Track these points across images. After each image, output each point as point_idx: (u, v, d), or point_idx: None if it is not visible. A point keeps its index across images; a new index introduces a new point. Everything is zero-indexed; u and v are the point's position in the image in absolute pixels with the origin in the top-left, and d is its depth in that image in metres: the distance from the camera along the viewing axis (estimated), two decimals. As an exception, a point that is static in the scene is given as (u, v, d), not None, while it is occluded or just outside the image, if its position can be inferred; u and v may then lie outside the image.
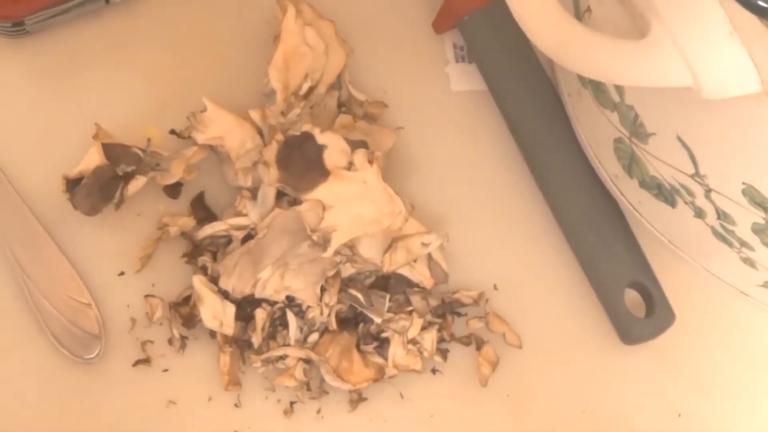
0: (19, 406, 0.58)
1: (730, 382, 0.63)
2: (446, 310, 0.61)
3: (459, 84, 0.65)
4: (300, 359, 0.58)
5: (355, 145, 0.60)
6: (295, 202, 0.58)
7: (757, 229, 0.53)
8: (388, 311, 0.59)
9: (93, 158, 0.58)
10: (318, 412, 0.59)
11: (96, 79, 0.62)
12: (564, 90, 0.62)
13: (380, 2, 0.65)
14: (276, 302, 0.58)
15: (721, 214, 0.53)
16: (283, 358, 0.59)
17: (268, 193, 0.58)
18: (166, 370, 0.59)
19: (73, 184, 0.58)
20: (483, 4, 0.63)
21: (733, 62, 0.44)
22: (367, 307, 0.58)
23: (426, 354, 0.60)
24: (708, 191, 0.52)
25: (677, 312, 0.62)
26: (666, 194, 0.56)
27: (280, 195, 0.59)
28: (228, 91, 0.62)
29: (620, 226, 0.62)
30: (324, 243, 0.57)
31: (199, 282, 0.58)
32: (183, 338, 0.59)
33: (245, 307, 0.59)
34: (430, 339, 0.60)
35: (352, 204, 0.57)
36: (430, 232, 0.60)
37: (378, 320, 0.59)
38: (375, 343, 0.59)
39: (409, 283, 0.60)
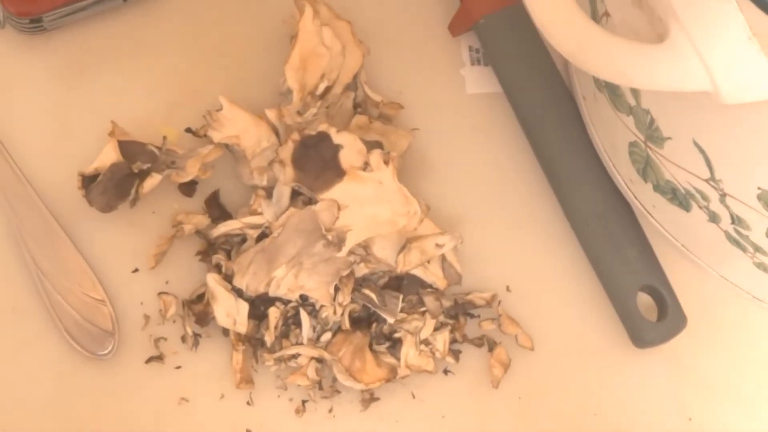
0: (32, 402, 0.58)
1: (741, 386, 0.63)
2: (459, 311, 0.61)
3: (474, 86, 0.65)
4: (312, 358, 0.58)
5: (370, 145, 0.60)
6: (310, 201, 0.58)
7: (771, 235, 0.53)
8: (401, 311, 0.59)
9: (109, 155, 0.58)
10: (330, 411, 0.59)
11: (112, 77, 0.63)
12: (579, 93, 0.62)
13: (397, 4, 0.66)
14: (289, 301, 0.58)
15: (736, 219, 0.53)
16: (295, 356, 0.59)
17: (283, 192, 0.59)
18: (178, 368, 0.59)
19: (88, 181, 0.59)
20: (499, 8, 0.63)
21: (751, 67, 0.44)
22: (381, 307, 0.59)
23: (438, 355, 0.60)
24: (723, 196, 0.52)
25: (689, 316, 0.62)
26: (680, 198, 0.56)
27: (295, 194, 0.59)
28: (244, 90, 0.62)
29: (634, 229, 0.62)
30: (338, 243, 0.57)
31: (213, 280, 0.58)
32: (196, 336, 0.59)
33: (259, 306, 0.59)
34: (442, 340, 0.60)
35: (367, 204, 0.57)
36: (445, 234, 0.60)
37: (391, 320, 0.59)
38: (387, 343, 0.60)
39: (422, 284, 0.60)
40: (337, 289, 0.58)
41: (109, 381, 0.59)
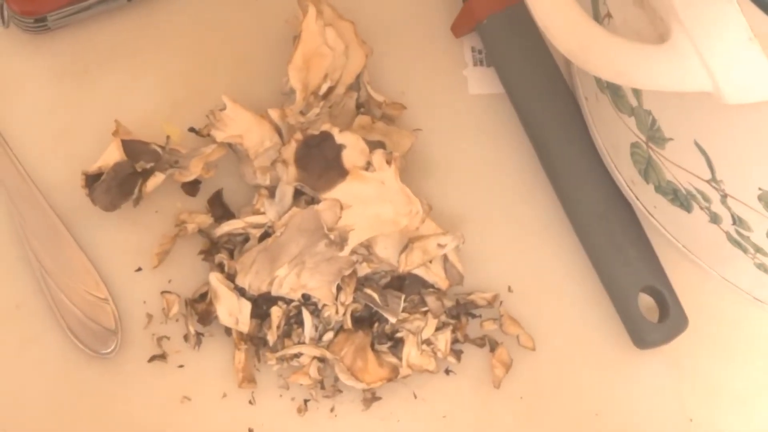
0: (34, 400, 0.58)
1: (742, 387, 0.63)
2: (461, 312, 0.61)
3: (477, 87, 0.65)
4: (314, 357, 0.59)
5: (373, 145, 0.60)
6: (313, 201, 0.58)
7: (772, 235, 0.53)
8: (403, 311, 0.59)
9: (112, 154, 0.59)
10: (331, 410, 0.60)
11: (116, 76, 0.63)
12: (581, 94, 0.62)
13: (400, 4, 0.66)
14: (292, 300, 0.58)
15: (737, 220, 0.53)
16: (297, 356, 0.59)
17: (286, 191, 0.59)
18: (181, 366, 0.59)
19: (92, 180, 0.59)
20: (501, 8, 0.63)
21: (752, 68, 0.44)
22: (383, 307, 0.59)
23: (440, 354, 0.60)
24: (724, 197, 0.53)
25: (690, 317, 0.62)
26: (682, 199, 0.56)
27: (297, 194, 0.59)
28: (247, 89, 0.62)
29: (635, 230, 0.62)
30: (341, 242, 0.57)
31: (215, 279, 0.58)
32: (198, 335, 0.59)
33: (261, 305, 0.59)
34: (444, 340, 0.60)
35: (369, 204, 0.58)
36: (447, 234, 0.60)
37: (393, 320, 0.59)
38: (389, 343, 0.60)
39: (424, 284, 0.60)
40: (339, 288, 0.58)
41: (112, 379, 0.59)
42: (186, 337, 0.60)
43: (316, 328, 0.59)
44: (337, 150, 0.58)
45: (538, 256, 0.63)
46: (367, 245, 0.58)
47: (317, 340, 0.59)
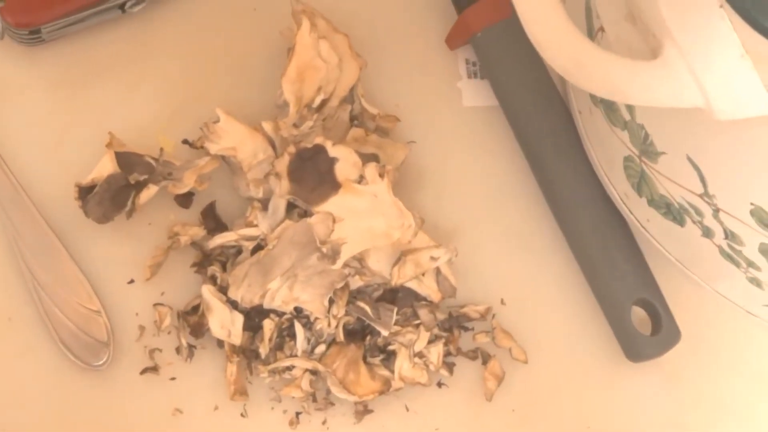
0: (27, 412, 0.58)
1: (735, 400, 0.63)
2: (453, 324, 0.61)
3: (471, 99, 0.65)
4: (307, 370, 0.59)
5: (367, 158, 0.60)
6: (306, 214, 0.58)
7: (764, 250, 0.53)
8: (396, 324, 0.59)
9: (106, 166, 0.59)
10: (324, 423, 0.60)
11: (111, 88, 0.63)
12: (575, 107, 0.62)
13: (395, 17, 0.66)
14: (284, 313, 0.58)
15: (729, 234, 0.54)
16: (289, 368, 0.59)
17: (279, 204, 0.59)
18: (173, 379, 0.59)
19: (85, 192, 0.59)
20: (496, 21, 0.63)
21: (744, 84, 0.44)
22: (375, 320, 0.59)
23: (432, 367, 0.60)
24: (716, 211, 0.53)
25: (683, 330, 0.62)
26: (674, 213, 0.56)
27: (290, 207, 0.59)
28: (241, 102, 0.62)
29: (628, 243, 0.62)
30: (333, 255, 0.57)
31: (208, 291, 0.58)
32: (191, 347, 0.59)
33: (253, 318, 0.59)
34: (436, 352, 0.60)
35: (362, 217, 0.58)
36: (439, 246, 0.60)
37: (385, 333, 0.59)
38: (382, 356, 0.60)
39: (416, 297, 0.60)
40: (331, 301, 0.58)
41: (104, 392, 0.59)
42: (178, 350, 0.59)
43: (309, 340, 0.59)
44: (330, 163, 0.58)
45: (531, 269, 0.63)
46: (360, 258, 0.58)
47: (309, 353, 0.59)
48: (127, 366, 0.59)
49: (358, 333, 0.60)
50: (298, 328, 0.58)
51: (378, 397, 0.59)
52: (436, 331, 0.60)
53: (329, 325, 0.58)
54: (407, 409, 0.60)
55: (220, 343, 0.59)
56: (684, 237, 0.57)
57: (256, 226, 0.59)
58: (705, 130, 0.50)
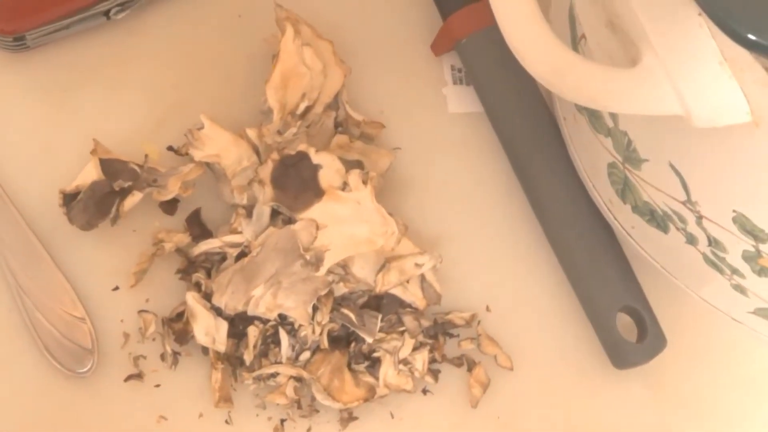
0: (10, 419, 0.58)
1: (721, 407, 0.63)
2: (438, 331, 0.61)
3: (456, 106, 0.65)
4: (291, 377, 0.59)
5: (351, 165, 0.60)
6: (290, 220, 0.58)
7: (747, 257, 0.53)
8: (380, 331, 0.59)
9: (90, 173, 0.59)
10: (308, 430, 0.59)
11: (95, 95, 0.63)
12: (560, 114, 0.62)
13: (379, 23, 0.66)
14: (268, 320, 0.58)
15: (712, 241, 0.53)
16: (274, 375, 0.59)
17: (263, 211, 0.59)
18: (158, 386, 0.59)
19: (69, 199, 0.59)
20: (481, 28, 0.63)
21: (723, 92, 0.44)
22: (359, 327, 0.59)
23: (417, 374, 0.60)
24: (699, 218, 0.53)
25: (669, 337, 0.62)
26: (658, 220, 0.56)
27: (275, 213, 0.59)
28: (226, 108, 0.62)
29: (613, 250, 0.62)
30: (317, 262, 0.57)
31: (192, 298, 0.58)
32: (175, 354, 0.59)
33: (238, 325, 0.59)
34: (421, 359, 0.60)
35: (345, 224, 0.58)
36: (424, 253, 0.60)
37: (369, 340, 0.59)
38: (366, 363, 0.60)
39: (401, 304, 0.60)
40: (315, 308, 0.58)
41: (88, 399, 0.59)
42: (163, 357, 0.59)
43: (293, 347, 0.59)
44: (313, 170, 0.58)
45: (517, 276, 0.63)
46: (344, 265, 0.58)
47: (294, 360, 0.59)
48: (111, 373, 0.59)
49: (342, 340, 0.60)
50: (283, 335, 0.58)
51: (363, 404, 0.59)
52: (421, 338, 0.60)
53: (314, 332, 0.58)
54: (392, 416, 0.60)
55: (205, 350, 0.59)
56: (668, 244, 0.57)
57: (240, 232, 0.59)
58: (686, 138, 0.49)
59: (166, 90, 0.63)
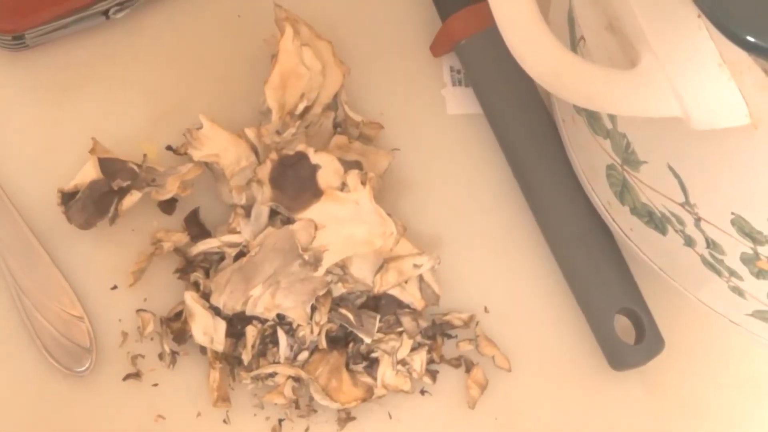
0: (8, 418, 0.58)
1: (719, 409, 0.63)
2: (436, 332, 0.61)
3: (455, 107, 0.65)
4: (289, 377, 0.59)
5: (350, 165, 0.60)
6: (288, 221, 0.58)
7: (745, 259, 0.53)
8: (378, 331, 0.59)
9: (89, 172, 0.59)
10: (306, 430, 0.60)
11: (94, 94, 0.63)
12: (559, 116, 0.62)
13: (379, 24, 0.66)
14: (267, 320, 0.58)
15: (711, 243, 0.53)
16: (272, 375, 0.59)
17: (261, 211, 0.59)
18: (155, 385, 0.59)
19: (68, 198, 0.59)
20: (480, 29, 0.64)
21: (721, 94, 0.44)
22: (357, 327, 0.59)
23: (415, 375, 0.60)
24: (697, 220, 0.53)
25: (667, 339, 0.62)
26: (657, 222, 0.56)
27: (273, 213, 0.59)
28: (224, 108, 0.62)
29: (612, 252, 0.62)
30: (315, 262, 0.57)
31: (190, 298, 0.58)
32: (173, 353, 0.59)
33: (236, 324, 0.59)
34: (419, 360, 0.60)
35: (344, 224, 0.58)
36: (422, 254, 0.60)
37: (368, 340, 0.59)
38: (364, 363, 0.60)
39: (399, 304, 0.60)
40: (313, 308, 0.58)
41: (87, 398, 0.59)
42: (161, 356, 0.59)
43: (291, 347, 0.59)
44: (312, 170, 0.58)
45: (515, 277, 0.63)
46: (343, 265, 0.58)
47: (292, 360, 0.59)
48: (109, 372, 0.59)
49: (340, 340, 0.60)
50: (281, 335, 0.58)
51: (361, 404, 0.59)
52: (419, 338, 0.60)
53: (312, 332, 0.58)
54: (390, 417, 0.60)
55: (203, 350, 0.59)
56: (666, 246, 0.57)
57: (238, 232, 0.59)
58: (685, 140, 0.50)
59: (165, 90, 0.63)
